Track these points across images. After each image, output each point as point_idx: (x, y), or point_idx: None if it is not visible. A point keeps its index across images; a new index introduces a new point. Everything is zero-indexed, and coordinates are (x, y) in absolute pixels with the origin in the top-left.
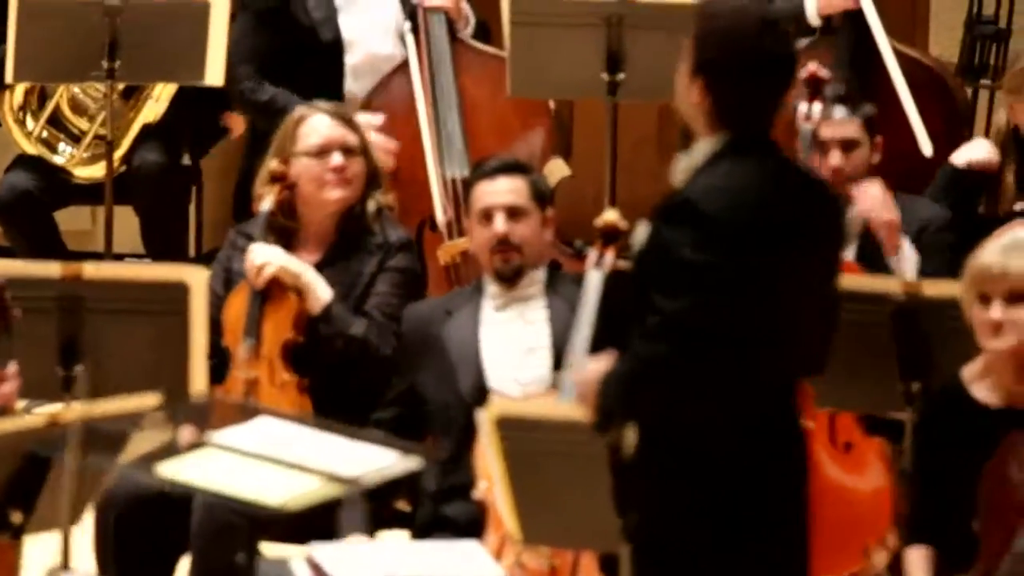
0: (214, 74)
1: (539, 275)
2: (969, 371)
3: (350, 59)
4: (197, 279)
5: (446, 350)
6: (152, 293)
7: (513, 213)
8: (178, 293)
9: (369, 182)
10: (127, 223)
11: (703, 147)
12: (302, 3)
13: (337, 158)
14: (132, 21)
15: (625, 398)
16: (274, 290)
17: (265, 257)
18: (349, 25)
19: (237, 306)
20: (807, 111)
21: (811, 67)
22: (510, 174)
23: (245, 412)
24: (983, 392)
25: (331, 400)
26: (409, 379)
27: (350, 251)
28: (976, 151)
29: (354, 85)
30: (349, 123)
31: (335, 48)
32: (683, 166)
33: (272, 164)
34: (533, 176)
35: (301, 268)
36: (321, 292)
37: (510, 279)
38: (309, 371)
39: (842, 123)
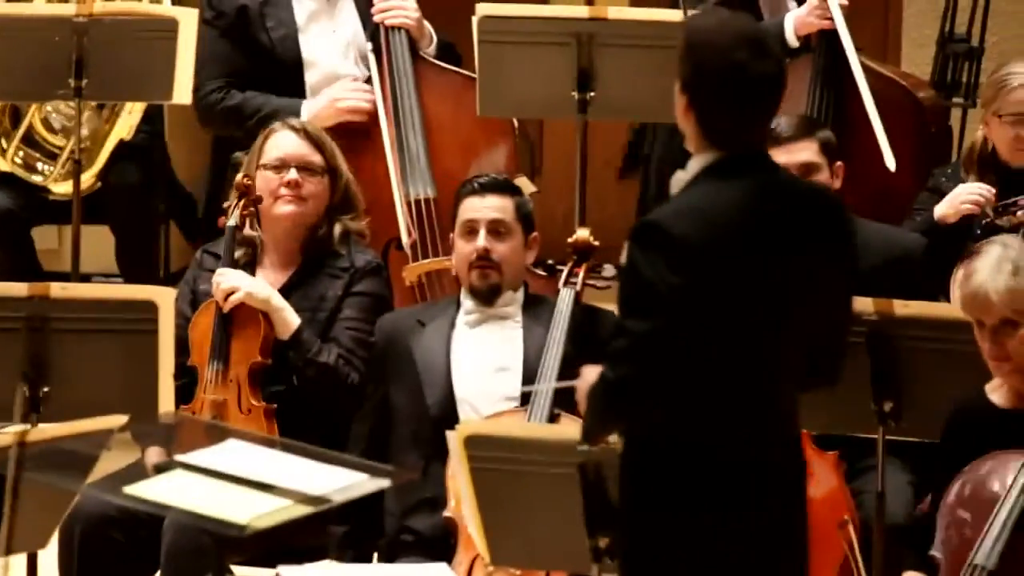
0: (182, 92)
1: (518, 296)
2: (991, 382)
3: (310, 78)
4: (165, 298)
5: (414, 362)
6: (120, 312)
7: (496, 231)
8: (146, 312)
9: (338, 205)
10: (95, 242)
11: (693, 165)
12: (261, 22)
13: (292, 173)
14: (99, 39)
15: (599, 417)
16: (241, 313)
17: (232, 282)
18: (309, 44)
19: (204, 324)
20: None
21: None
22: (499, 193)
23: (213, 433)
24: (998, 396)
25: (298, 426)
26: (383, 389)
27: (315, 274)
28: (948, 208)
29: None
30: (318, 143)
31: (295, 67)
32: (678, 181)
33: (236, 177)
34: (521, 198)
35: (268, 292)
36: (290, 317)
37: (486, 296)
38: (276, 396)
39: (798, 146)
